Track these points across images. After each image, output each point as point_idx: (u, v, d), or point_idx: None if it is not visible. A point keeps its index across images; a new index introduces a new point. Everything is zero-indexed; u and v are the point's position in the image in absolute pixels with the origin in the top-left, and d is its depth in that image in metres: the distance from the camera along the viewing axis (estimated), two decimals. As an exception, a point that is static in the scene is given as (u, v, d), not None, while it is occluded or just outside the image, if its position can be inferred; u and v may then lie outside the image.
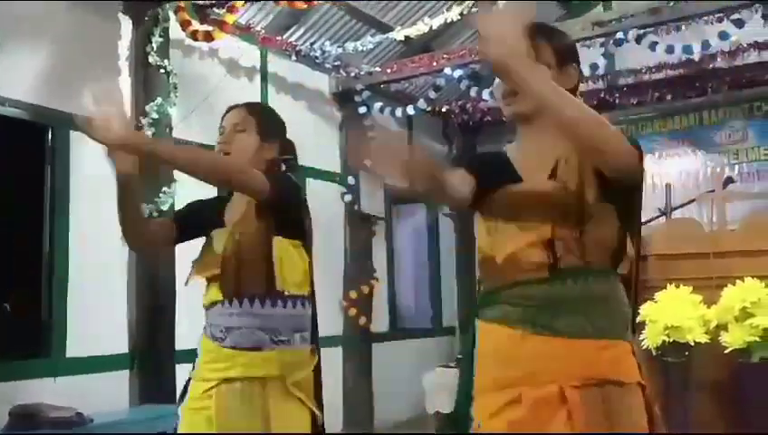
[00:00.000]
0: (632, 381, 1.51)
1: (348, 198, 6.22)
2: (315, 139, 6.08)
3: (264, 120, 2.23)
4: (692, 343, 3.37)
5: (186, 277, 2.16)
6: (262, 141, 2.18)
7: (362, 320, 6.11)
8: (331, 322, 5.99)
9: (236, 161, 2.06)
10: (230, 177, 1.99)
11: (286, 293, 2.07)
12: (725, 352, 3.31)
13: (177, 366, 4.17)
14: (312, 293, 2.19)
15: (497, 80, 1.63)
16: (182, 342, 4.20)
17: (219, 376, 2.03)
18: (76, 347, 4.08)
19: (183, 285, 2.20)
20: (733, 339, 3.30)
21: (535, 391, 1.48)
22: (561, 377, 1.48)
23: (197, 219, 2.21)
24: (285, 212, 2.07)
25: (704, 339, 3.37)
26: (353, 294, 6.10)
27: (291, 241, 2.10)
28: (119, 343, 4.32)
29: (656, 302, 3.53)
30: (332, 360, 5.98)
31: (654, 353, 3.48)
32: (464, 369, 1.69)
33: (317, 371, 2.15)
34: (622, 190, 1.54)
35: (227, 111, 2.25)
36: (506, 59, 1.34)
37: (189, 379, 2.14)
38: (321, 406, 2.14)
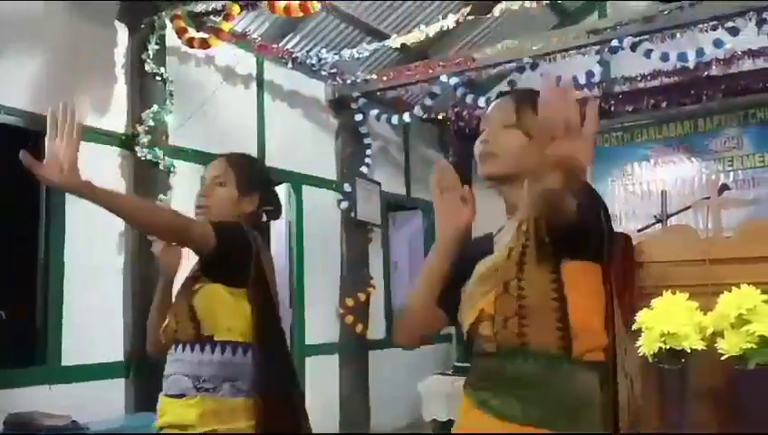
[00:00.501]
0: None
1: (344, 205, 6.23)
2: (311, 146, 6.10)
3: (244, 173, 2.21)
4: (688, 350, 3.37)
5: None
6: (241, 195, 2.18)
7: (359, 327, 6.10)
8: (327, 329, 5.98)
9: (180, 219, 1.98)
10: (175, 234, 2.00)
11: (215, 338, 2.02)
12: (722, 358, 3.31)
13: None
14: (266, 344, 2.06)
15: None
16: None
17: (159, 425, 2.06)
18: (71, 355, 4.07)
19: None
20: (729, 346, 3.30)
21: None
22: None
23: None
24: (226, 262, 2.03)
25: (700, 346, 3.37)
26: (350, 302, 6.10)
27: (228, 289, 2.05)
28: (114, 351, 4.31)
29: (652, 309, 3.53)
30: (329, 367, 5.97)
31: (650, 360, 3.48)
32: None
33: (267, 422, 2.01)
34: (585, 241, 1.42)
35: (210, 163, 2.27)
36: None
37: None
38: None
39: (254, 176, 2.25)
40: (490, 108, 1.66)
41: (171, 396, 2.02)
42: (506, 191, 1.60)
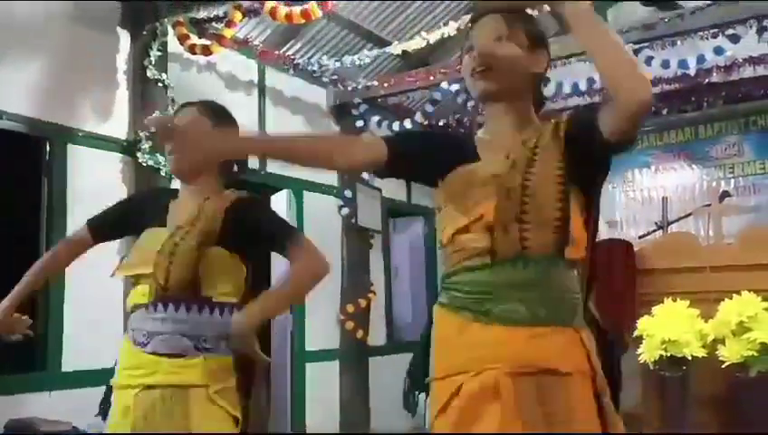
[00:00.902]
0: (571, 371, 1.46)
1: (345, 211, 6.23)
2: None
3: (221, 120, 2.22)
4: (689, 358, 3.37)
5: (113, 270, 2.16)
6: None
7: (359, 333, 6.10)
8: (327, 335, 5.97)
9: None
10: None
11: (214, 299, 2.03)
12: (723, 366, 3.30)
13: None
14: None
15: (466, 57, 1.63)
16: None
17: (139, 382, 1.98)
18: (72, 361, 4.07)
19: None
20: (730, 353, 3.30)
21: (472, 382, 1.46)
22: (497, 365, 1.45)
23: (122, 221, 2.25)
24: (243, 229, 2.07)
25: (701, 353, 3.37)
26: (350, 308, 6.09)
27: (230, 253, 2.06)
28: (114, 357, 4.30)
29: (653, 316, 3.53)
30: (329, 373, 5.96)
31: (651, 368, 3.48)
32: (418, 352, 1.66)
33: (247, 376, 2.07)
34: (592, 173, 1.53)
35: (179, 110, 2.28)
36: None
37: (109, 389, 2.12)
38: (247, 413, 2.06)
39: (227, 122, 2.25)
40: (476, 27, 1.65)
41: (164, 355, 1.99)
42: (505, 107, 1.61)
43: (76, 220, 4.15)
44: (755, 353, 3.24)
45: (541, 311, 1.48)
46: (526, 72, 1.60)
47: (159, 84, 4.60)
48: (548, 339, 1.47)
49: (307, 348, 5.76)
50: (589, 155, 1.49)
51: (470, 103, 6.05)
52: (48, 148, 4.18)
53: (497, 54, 1.57)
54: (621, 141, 1.44)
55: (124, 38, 4.63)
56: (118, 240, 2.44)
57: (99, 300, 4.24)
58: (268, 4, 4.60)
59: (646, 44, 5.00)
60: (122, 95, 4.59)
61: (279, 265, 5.81)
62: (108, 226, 2.29)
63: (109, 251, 4.41)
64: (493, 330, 1.47)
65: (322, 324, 5.94)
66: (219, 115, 2.26)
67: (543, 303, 1.48)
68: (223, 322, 2.02)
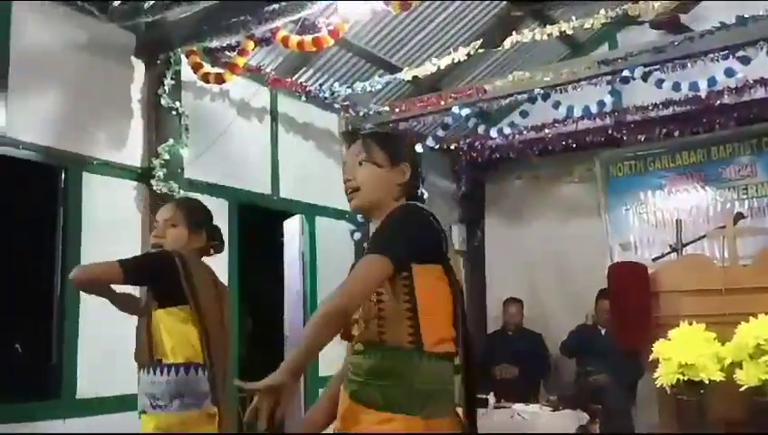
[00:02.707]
0: None
1: (357, 236, 6.23)
2: (324, 177, 6.13)
3: (192, 215, 2.60)
4: (706, 381, 3.33)
5: None
6: (190, 233, 2.56)
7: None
8: (340, 361, 5.94)
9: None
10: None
11: (164, 361, 2.33)
12: (740, 389, 3.26)
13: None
14: (214, 362, 2.40)
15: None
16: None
17: None
18: (86, 388, 4.08)
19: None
20: (747, 377, 3.26)
21: None
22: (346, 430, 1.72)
23: None
24: (154, 285, 2.49)
25: (718, 377, 3.33)
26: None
27: (170, 310, 2.40)
28: (129, 384, 4.30)
29: (669, 339, 3.50)
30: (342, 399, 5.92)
31: (668, 392, 3.44)
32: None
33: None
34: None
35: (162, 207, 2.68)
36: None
37: None
38: None
39: (200, 217, 2.63)
40: (346, 152, 1.98)
41: (140, 413, 2.37)
42: (374, 218, 1.87)
43: (91, 247, 4.19)
44: (774, 377, 3.20)
45: (392, 399, 1.71)
46: (390, 185, 1.86)
47: (173, 112, 4.65)
48: (391, 425, 1.69)
49: (320, 374, 5.74)
50: None
51: (481, 127, 6.07)
52: (63, 176, 4.23)
53: (357, 177, 1.86)
54: None
55: (138, 67, 4.69)
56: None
57: (113, 328, 4.26)
58: (280, 33, 4.66)
59: (656, 67, 5.01)
60: (137, 123, 4.64)
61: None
62: None
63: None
64: (357, 409, 1.77)
65: (335, 350, 5.91)
66: (194, 211, 2.66)
67: (395, 392, 1.72)
68: (171, 380, 2.36)
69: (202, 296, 2.42)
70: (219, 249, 2.72)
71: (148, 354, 2.33)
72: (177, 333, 2.35)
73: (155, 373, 2.32)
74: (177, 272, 2.41)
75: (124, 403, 4.23)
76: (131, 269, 2.40)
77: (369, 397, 1.71)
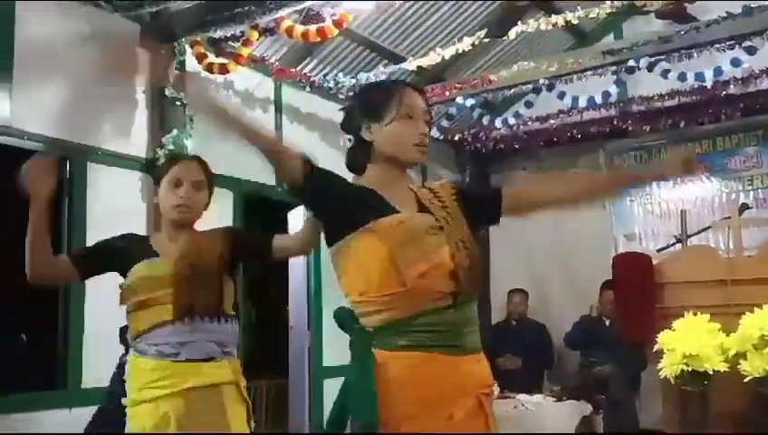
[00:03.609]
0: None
1: (361, 227, 6.23)
2: (328, 168, 6.12)
3: (210, 179, 2.55)
4: (711, 372, 3.33)
5: (119, 300, 2.45)
6: (209, 198, 2.54)
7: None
8: (345, 351, 5.95)
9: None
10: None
11: (227, 313, 2.38)
12: (745, 380, 3.27)
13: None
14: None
15: (407, 123, 1.84)
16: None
17: (175, 390, 2.23)
18: (91, 378, 4.09)
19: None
20: (752, 367, 3.26)
21: (462, 408, 1.69)
22: (476, 388, 1.74)
23: (108, 255, 2.49)
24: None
25: (722, 368, 3.33)
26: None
27: (231, 278, 2.45)
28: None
29: (673, 330, 3.50)
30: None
31: (672, 382, 3.44)
32: (359, 397, 1.73)
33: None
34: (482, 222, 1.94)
35: (177, 163, 2.55)
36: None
37: (104, 413, 2.45)
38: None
39: (214, 178, 2.58)
40: (412, 95, 1.88)
41: (198, 360, 2.26)
42: (402, 171, 1.90)
43: (96, 237, 4.19)
44: (778, 368, 3.20)
45: (478, 341, 1.79)
46: None
47: (177, 103, 4.65)
48: (484, 363, 1.81)
49: (324, 364, 5.75)
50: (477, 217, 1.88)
51: (486, 118, 6.06)
52: (68, 166, 4.24)
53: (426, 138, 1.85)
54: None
55: (143, 58, 4.69)
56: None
57: (119, 318, 4.28)
58: (284, 24, 4.65)
59: (662, 57, 4.99)
60: (141, 114, 4.64)
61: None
62: (92, 261, 2.55)
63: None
64: (466, 360, 1.73)
65: (340, 340, 5.92)
66: (211, 172, 2.60)
67: (477, 334, 1.79)
68: (233, 331, 2.40)
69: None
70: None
71: (213, 306, 2.33)
72: (232, 290, 2.45)
73: (220, 322, 2.34)
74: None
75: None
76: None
77: (465, 343, 1.75)
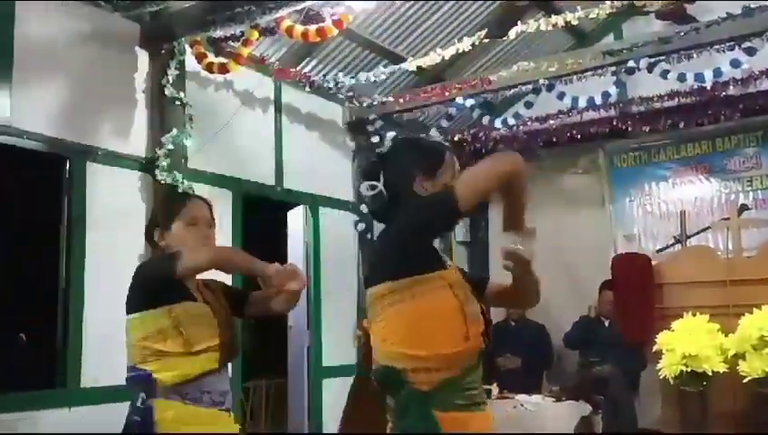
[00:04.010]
0: None
1: (361, 226, 6.24)
2: (328, 168, 6.13)
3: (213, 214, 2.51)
4: (710, 373, 3.34)
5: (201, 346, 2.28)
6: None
7: (376, 349, 6.07)
8: (344, 351, 5.96)
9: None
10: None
11: None
12: (744, 381, 3.27)
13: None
14: None
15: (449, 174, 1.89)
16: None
17: None
18: (91, 377, 4.09)
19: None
20: (751, 368, 3.26)
21: None
22: None
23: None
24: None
25: (722, 368, 3.33)
26: (366, 323, 6.07)
27: None
28: (133, 373, 4.33)
29: (672, 330, 3.51)
30: (346, 389, 5.93)
31: (671, 383, 3.45)
32: None
33: None
34: None
35: (190, 202, 2.47)
36: None
37: None
38: None
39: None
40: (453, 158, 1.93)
41: (225, 410, 2.28)
42: None
43: (95, 237, 4.21)
44: (777, 368, 3.20)
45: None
46: None
47: (177, 103, 4.65)
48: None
49: (324, 364, 5.75)
50: None
51: (485, 118, 6.06)
52: (68, 166, 4.23)
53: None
54: None
55: (142, 57, 4.69)
56: (137, 259, 2.63)
57: (118, 317, 4.28)
58: (284, 23, 4.65)
59: (662, 58, 4.99)
60: (141, 114, 4.64)
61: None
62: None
63: (127, 265, 4.45)
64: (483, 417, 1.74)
65: (339, 340, 5.94)
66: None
67: None
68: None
69: None
70: None
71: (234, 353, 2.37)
72: None
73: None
74: None
75: (129, 393, 4.26)
76: None
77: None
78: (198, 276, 2.36)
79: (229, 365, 2.39)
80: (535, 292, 1.94)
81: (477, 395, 1.74)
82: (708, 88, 5.49)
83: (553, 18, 5.16)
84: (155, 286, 2.23)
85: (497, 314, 6.90)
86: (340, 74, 5.85)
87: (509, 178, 1.67)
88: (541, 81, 5.41)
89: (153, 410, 2.16)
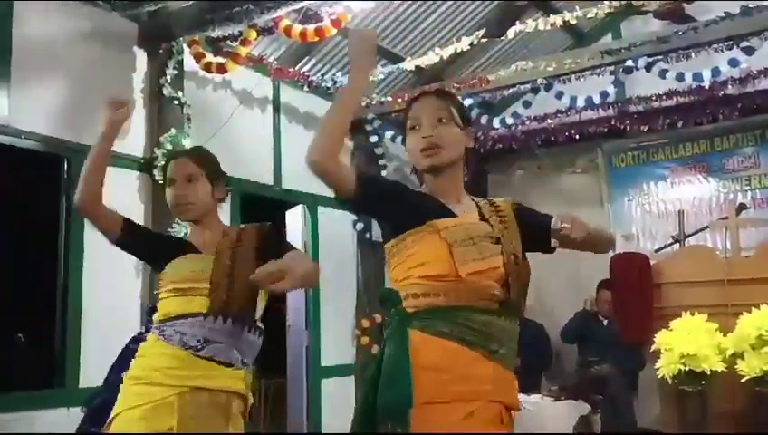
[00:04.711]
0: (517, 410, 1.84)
1: (359, 226, 6.24)
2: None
3: (211, 164, 2.44)
4: (708, 372, 3.34)
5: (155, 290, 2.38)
6: (213, 186, 2.41)
7: (374, 348, 6.08)
8: (342, 351, 5.97)
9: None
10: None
11: (257, 323, 2.31)
12: (742, 380, 3.27)
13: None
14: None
15: (411, 134, 1.90)
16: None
17: (186, 383, 2.16)
18: (89, 377, 4.09)
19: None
20: (749, 367, 3.26)
21: (485, 412, 1.70)
22: (505, 400, 1.76)
23: (152, 240, 2.47)
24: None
25: (720, 367, 3.34)
26: (365, 323, 6.09)
27: None
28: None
29: (671, 330, 3.51)
30: (345, 389, 5.95)
31: (670, 382, 3.45)
32: (394, 373, 1.66)
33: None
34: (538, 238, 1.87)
35: (169, 163, 2.46)
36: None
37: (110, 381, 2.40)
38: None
39: (218, 165, 2.47)
40: (418, 107, 1.91)
41: (218, 362, 2.20)
42: (450, 176, 1.89)
43: (94, 237, 4.19)
44: (775, 368, 3.21)
45: (515, 361, 1.82)
46: (462, 148, 1.90)
47: (175, 102, 4.65)
48: (515, 385, 1.83)
49: (322, 363, 5.76)
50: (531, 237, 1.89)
51: (484, 118, 6.06)
52: (66, 166, 4.23)
53: (443, 137, 1.84)
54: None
55: (141, 57, 4.69)
56: (135, 259, 2.59)
57: (116, 317, 4.28)
58: (283, 23, 4.65)
59: (660, 57, 5.00)
60: (139, 113, 4.64)
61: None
62: (139, 230, 2.51)
63: (126, 267, 4.46)
64: (500, 369, 1.76)
65: (337, 340, 5.94)
66: (212, 159, 2.49)
67: (515, 353, 1.82)
68: (257, 343, 2.32)
69: None
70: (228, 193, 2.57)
71: (247, 312, 2.27)
72: (262, 299, 2.37)
73: (249, 331, 2.28)
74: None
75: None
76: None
77: (509, 358, 1.80)
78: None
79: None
80: (607, 240, 2.02)
81: (475, 336, 1.71)
82: (706, 87, 5.50)
83: (552, 18, 5.16)
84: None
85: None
86: (339, 74, 5.85)
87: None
88: (539, 80, 5.41)
89: (144, 341, 2.33)
